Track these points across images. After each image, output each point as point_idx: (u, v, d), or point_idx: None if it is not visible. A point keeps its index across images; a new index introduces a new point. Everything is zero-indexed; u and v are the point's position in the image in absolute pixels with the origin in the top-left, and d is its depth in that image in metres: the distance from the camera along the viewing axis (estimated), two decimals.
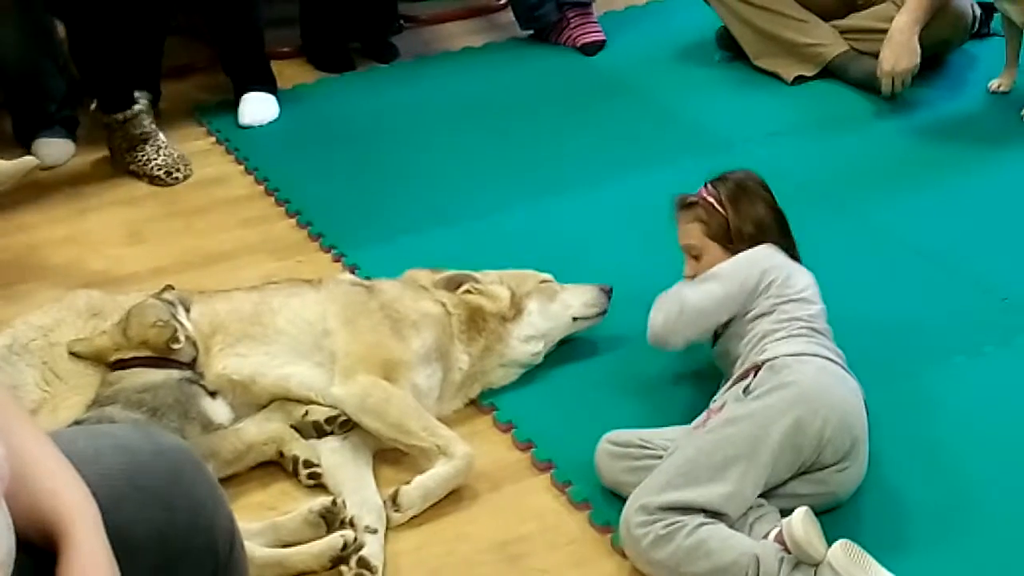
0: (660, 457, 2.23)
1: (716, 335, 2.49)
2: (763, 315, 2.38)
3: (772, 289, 2.41)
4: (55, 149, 3.66)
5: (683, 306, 2.45)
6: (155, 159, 3.52)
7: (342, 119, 3.90)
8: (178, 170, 3.53)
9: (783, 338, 2.31)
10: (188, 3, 3.87)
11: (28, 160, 3.32)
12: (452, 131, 3.81)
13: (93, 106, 3.54)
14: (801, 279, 2.44)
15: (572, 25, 4.28)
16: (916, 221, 3.22)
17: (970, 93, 3.88)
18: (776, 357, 2.26)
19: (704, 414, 2.29)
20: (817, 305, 2.42)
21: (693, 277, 2.55)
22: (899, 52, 3.70)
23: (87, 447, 1.53)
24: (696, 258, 2.57)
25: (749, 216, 2.53)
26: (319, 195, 3.46)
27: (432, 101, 3.98)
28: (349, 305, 2.56)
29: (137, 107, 3.49)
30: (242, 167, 3.66)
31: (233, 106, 3.90)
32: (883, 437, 2.35)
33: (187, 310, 2.49)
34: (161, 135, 3.60)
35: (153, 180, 3.53)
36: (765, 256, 2.46)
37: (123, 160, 3.57)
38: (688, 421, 2.32)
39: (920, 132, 3.69)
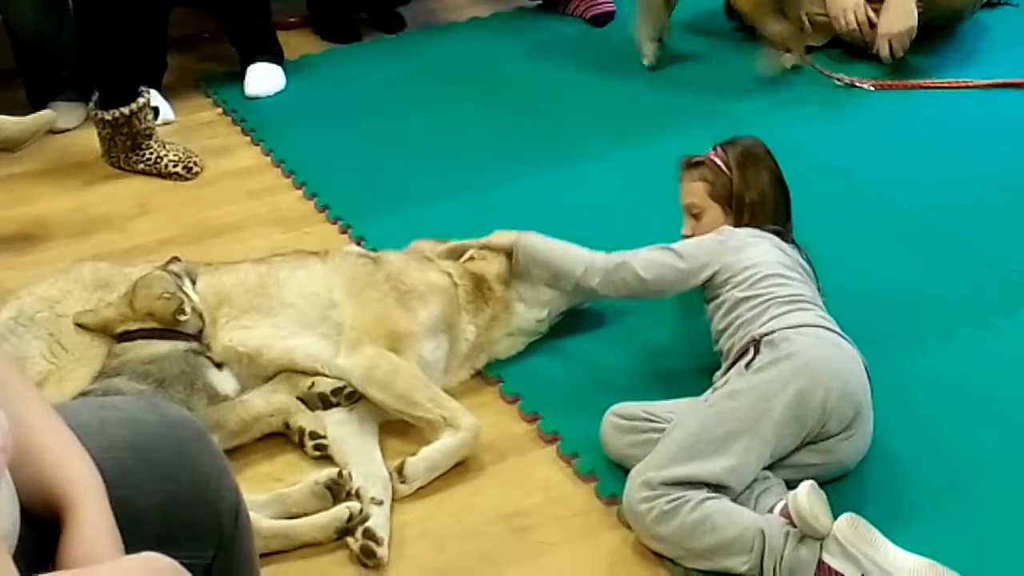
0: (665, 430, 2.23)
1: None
2: (740, 302, 2.37)
3: (728, 280, 2.40)
4: (69, 113, 3.66)
5: (625, 262, 2.46)
6: (166, 155, 3.45)
7: (349, 90, 3.89)
8: (194, 163, 3.46)
9: (775, 315, 2.30)
10: None
11: (47, 114, 3.28)
12: (459, 102, 3.80)
13: (92, 104, 3.46)
14: (765, 263, 2.41)
15: None
16: (922, 192, 3.21)
17: (982, 63, 3.86)
18: (774, 331, 2.26)
19: (709, 391, 2.29)
20: (797, 280, 2.40)
21: (691, 236, 2.55)
22: (894, 15, 3.69)
23: (92, 419, 1.53)
24: (696, 217, 2.58)
25: (754, 183, 2.53)
26: (326, 166, 3.46)
27: (439, 72, 3.96)
28: (355, 277, 2.56)
29: (142, 100, 3.42)
30: (248, 138, 3.65)
31: (240, 77, 3.89)
32: (888, 409, 2.34)
33: (193, 282, 2.49)
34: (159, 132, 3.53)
35: (170, 176, 3.45)
36: (728, 249, 2.45)
37: (129, 160, 3.47)
38: (695, 393, 2.32)
39: (929, 103, 3.67)
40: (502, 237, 2.64)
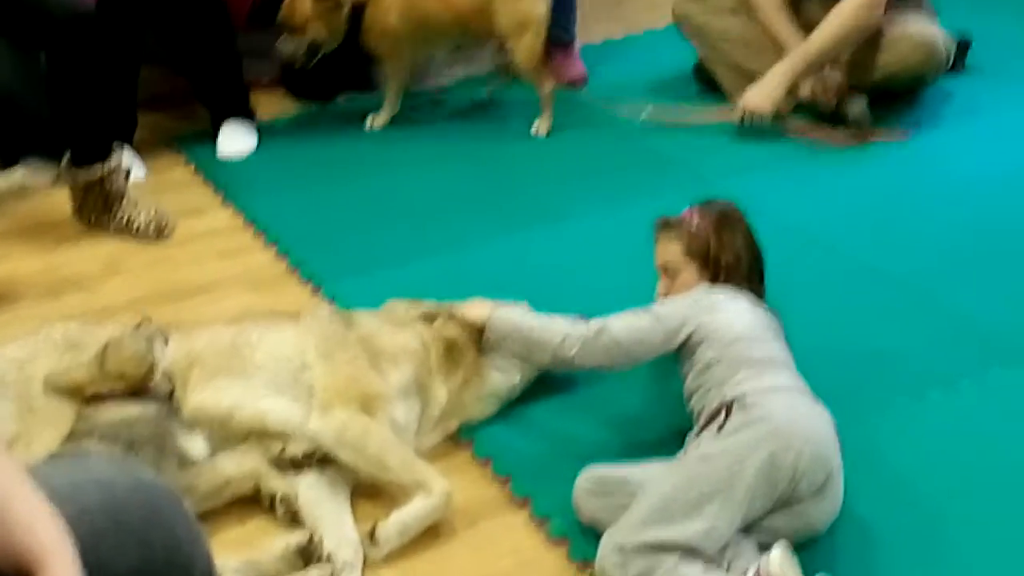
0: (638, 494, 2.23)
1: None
2: (712, 362, 2.38)
3: (703, 341, 2.41)
4: (40, 173, 3.64)
5: (603, 328, 2.47)
6: (138, 215, 3.45)
7: (321, 150, 3.91)
8: (166, 224, 3.46)
9: (746, 377, 2.32)
10: (165, 33, 3.87)
11: (18, 174, 3.27)
12: (431, 163, 3.82)
13: (64, 163, 3.45)
14: (739, 324, 2.43)
15: (555, 61, 4.31)
16: (892, 253, 3.24)
17: (945, 127, 3.92)
18: (745, 394, 2.27)
19: (681, 453, 2.30)
20: (770, 341, 2.42)
21: (666, 295, 2.57)
22: (761, 93, 3.77)
23: (64, 482, 1.51)
24: (671, 277, 2.60)
25: (730, 244, 2.56)
26: (298, 226, 3.46)
27: (411, 133, 3.98)
28: (327, 338, 2.56)
29: (115, 159, 3.43)
30: (221, 198, 3.66)
31: (212, 137, 3.90)
32: (859, 471, 2.35)
33: (165, 343, 2.48)
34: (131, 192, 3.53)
35: (141, 236, 3.44)
36: (703, 309, 2.46)
37: (100, 221, 3.47)
38: (668, 456, 2.32)
39: (895, 166, 3.72)
40: (474, 311, 2.63)
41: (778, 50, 3.93)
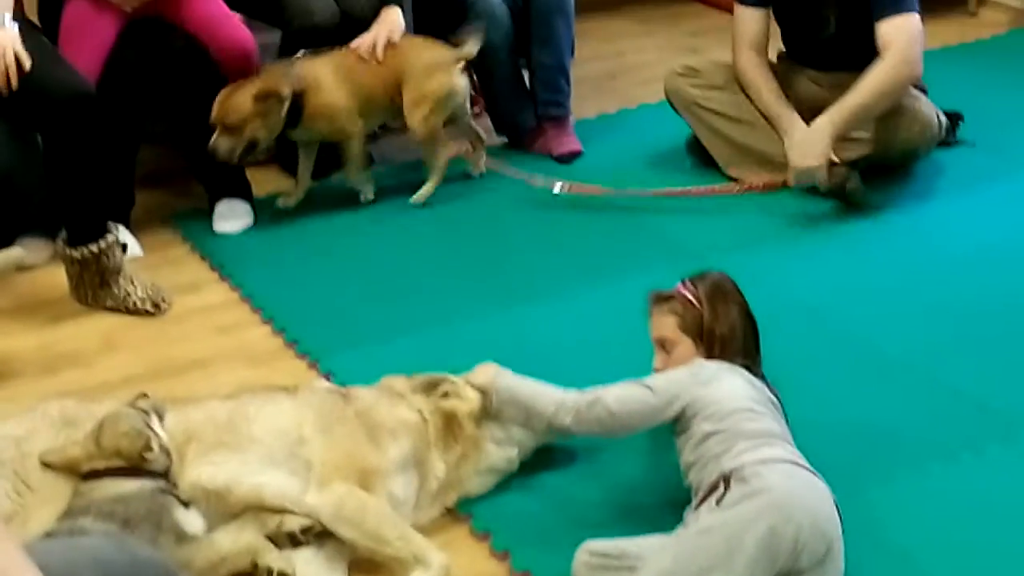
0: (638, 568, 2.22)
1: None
2: (709, 435, 2.38)
3: (698, 413, 2.42)
4: (36, 250, 3.64)
5: (597, 399, 2.47)
6: (134, 292, 3.46)
7: (317, 226, 3.92)
8: (162, 299, 3.47)
9: (744, 450, 2.31)
10: (163, 112, 3.90)
11: (15, 252, 3.28)
12: (427, 238, 3.83)
13: (60, 241, 3.47)
14: (735, 396, 2.43)
15: (548, 135, 4.35)
16: (888, 327, 3.25)
17: (939, 201, 3.94)
18: (743, 466, 2.27)
19: (681, 527, 2.29)
20: (767, 414, 2.42)
21: (662, 370, 2.57)
22: (808, 152, 3.79)
23: (61, 560, 1.51)
24: (667, 351, 2.60)
25: (724, 317, 2.57)
26: (294, 302, 3.47)
27: (406, 208, 4.00)
28: (324, 413, 2.56)
29: (111, 237, 3.44)
30: (217, 274, 3.66)
31: (208, 213, 3.92)
32: (859, 543, 2.34)
33: (161, 419, 2.47)
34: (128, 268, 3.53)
35: (138, 313, 3.45)
36: (698, 383, 2.47)
37: (97, 297, 3.47)
38: (667, 528, 2.31)
39: (889, 239, 3.73)
40: (481, 375, 2.64)
41: (770, 124, 3.97)
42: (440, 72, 3.93)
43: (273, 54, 4.08)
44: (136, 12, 3.69)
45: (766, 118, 4.00)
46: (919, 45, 3.84)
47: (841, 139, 3.83)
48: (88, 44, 3.59)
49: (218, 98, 3.69)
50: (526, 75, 4.42)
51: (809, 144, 3.81)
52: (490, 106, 4.47)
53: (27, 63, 3.23)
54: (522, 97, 4.40)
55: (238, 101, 3.69)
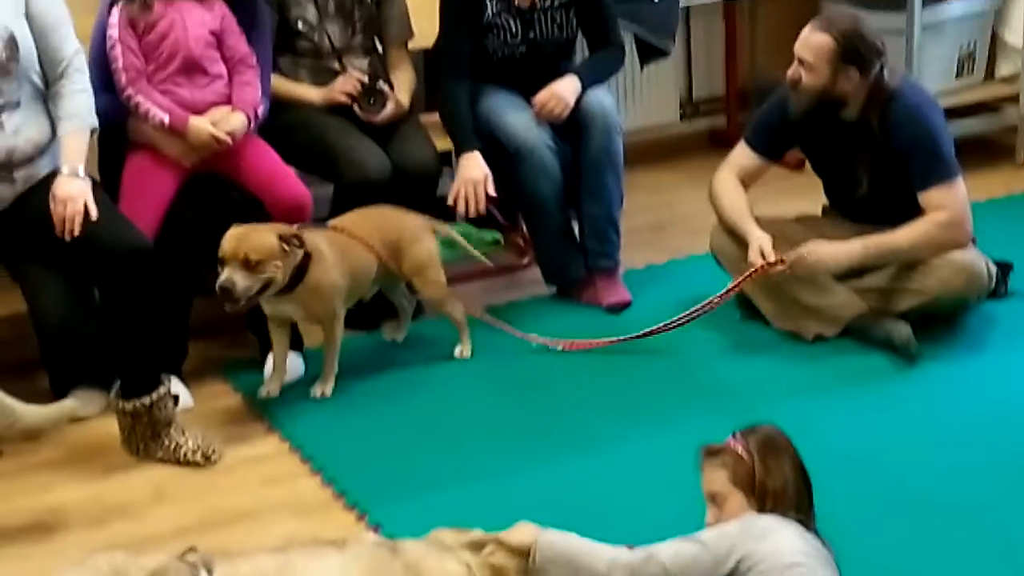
0: None
1: None
2: None
3: (752, 568, 2.39)
4: (89, 401, 3.68)
5: (651, 556, 2.45)
6: (185, 443, 3.49)
7: (366, 377, 3.94)
8: (212, 451, 3.50)
9: None
10: (214, 264, 3.96)
11: (68, 404, 3.34)
12: (476, 389, 3.85)
13: (114, 393, 3.53)
14: (789, 551, 2.41)
15: (598, 286, 4.38)
16: (940, 480, 3.21)
17: (990, 352, 3.91)
18: None
19: None
20: (821, 569, 2.40)
21: (715, 524, 2.54)
22: (830, 252, 3.83)
23: None
24: (719, 505, 2.58)
25: (776, 472, 2.55)
26: (343, 453, 3.48)
27: (455, 359, 4.02)
28: (372, 568, 2.54)
29: (163, 389, 3.49)
30: (266, 425, 3.69)
31: (259, 364, 3.95)
32: None
33: (210, 572, 2.47)
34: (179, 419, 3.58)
35: (188, 464, 3.48)
36: (751, 537, 2.45)
37: (148, 449, 3.51)
38: None
39: (941, 391, 3.71)
40: (520, 535, 2.61)
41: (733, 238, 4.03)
42: (427, 235, 3.98)
43: (326, 208, 4.14)
44: (195, 167, 3.79)
45: (729, 232, 4.07)
46: (967, 213, 3.90)
47: (893, 290, 3.85)
48: (148, 198, 3.69)
49: (231, 235, 3.54)
50: (575, 225, 4.46)
51: (834, 248, 3.83)
52: (540, 256, 4.51)
53: (94, 213, 3.32)
54: (571, 248, 4.45)
55: (262, 239, 3.55)
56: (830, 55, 3.84)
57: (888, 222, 3.91)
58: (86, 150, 3.50)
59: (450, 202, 4.24)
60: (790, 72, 3.94)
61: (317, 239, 3.73)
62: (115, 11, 3.72)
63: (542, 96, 4.26)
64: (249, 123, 3.81)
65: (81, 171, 3.43)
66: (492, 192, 4.22)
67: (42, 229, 3.41)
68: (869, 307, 3.95)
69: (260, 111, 3.87)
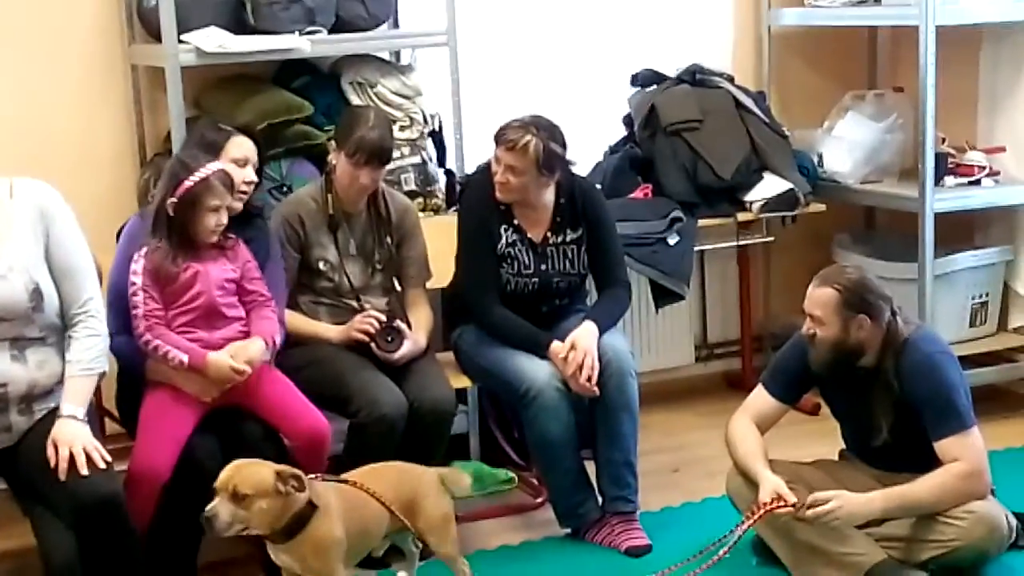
0: None
1: None
2: None
3: None
4: None
5: None
6: None
7: None
8: None
9: None
10: None
11: None
12: None
13: None
14: None
15: (615, 529, 4.34)
16: None
17: None
18: None
19: None
20: None
21: None
22: (858, 504, 3.79)
23: None
24: None
25: None
26: None
27: None
28: None
29: None
30: None
31: None
32: None
33: None
34: None
35: None
36: None
37: None
38: None
39: None
40: None
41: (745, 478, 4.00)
42: (441, 492, 3.84)
43: (340, 442, 4.13)
44: (214, 402, 3.80)
45: (741, 473, 4.04)
46: (985, 463, 3.89)
47: (913, 539, 3.81)
48: (166, 433, 3.70)
49: (229, 465, 3.41)
50: (589, 464, 4.44)
51: (861, 500, 3.81)
52: (552, 498, 4.48)
53: (99, 461, 3.35)
54: (585, 488, 4.42)
55: (258, 472, 3.39)
56: (837, 306, 3.91)
57: (907, 469, 3.89)
58: (90, 395, 3.54)
59: (568, 373, 4.23)
60: (804, 328, 4.00)
61: (327, 491, 3.56)
62: (138, 257, 3.80)
63: (565, 349, 4.27)
64: (266, 347, 3.85)
65: (81, 414, 3.45)
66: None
67: (39, 468, 3.40)
68: (889, 556, 3.90)
69: (277, 339, 3.92)
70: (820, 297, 3.95)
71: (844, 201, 5.75)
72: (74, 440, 3.37)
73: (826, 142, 5.70)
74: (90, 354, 3.56)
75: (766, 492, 3.87)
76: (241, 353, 3.80)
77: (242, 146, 4.05)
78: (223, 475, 3.38)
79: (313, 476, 3.57)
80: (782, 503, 3.83)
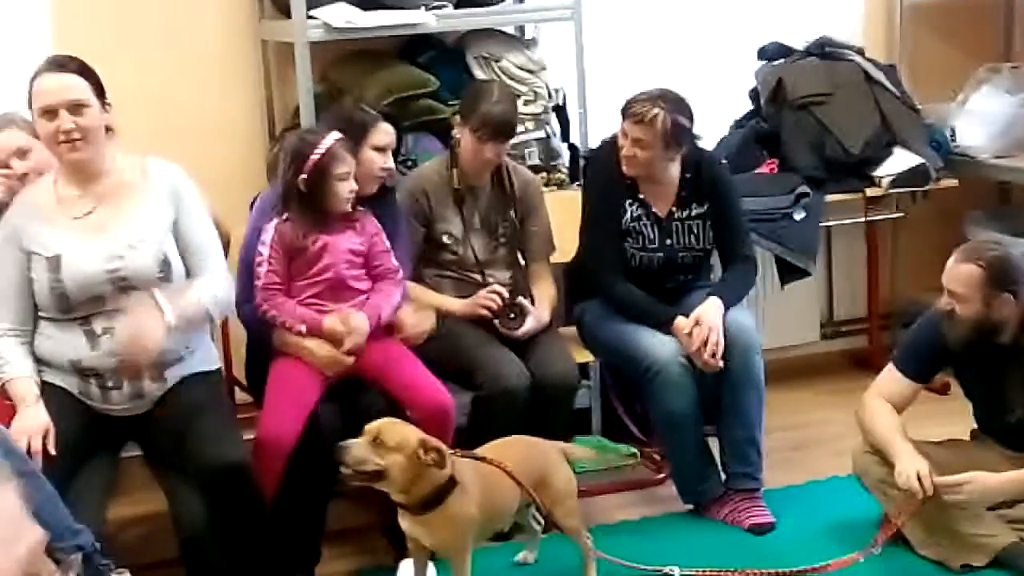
0: None
1: None
2: None
3: None
4: None
5: None
6: None
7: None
8: None
9: None
10: None
11: None
12: None
13: None
14: None
15: (739, 506, 4.31)
16: None
17: None
18: None
19: None
20: None
21: None
22: (991, 489, 3.75)
23: None
24: None
25: None
26: None
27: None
28: None
29: None
30: None
31: (392, 570, 3.93)
32: None
33: None
34: None
35: None
36: None
37: None
38: None
39: None
40: None
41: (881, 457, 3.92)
42: (564, 464, 3.86)
43: (464, 415, 4.15)
44: (339, 374, 3.85)
45: (876, 450, 3.96)
46: None
47: None
48: (292, 402, 3.76)
49: (384, 419, 3.47)
50: (712, 440, 4.41)
51: (989, 480, 3.77)
52: (675, 473, 4.46)
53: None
54: (708, 465, 4.39)
55: (404, 431, 3.44)
56: (980, 283, 3.80)
57: None
58: (189, 313, 3.51)
59: (692, 349, 4.21)
60: (942, 304, 3.90)
61: (467, 469, 3.57)
62: (270, 228, 3.86)
63: (689, 325, 4.24)
64: (369, 324, 3.86)
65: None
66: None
67: (171, 435, 3.47)
68: (1021, 538, 3.82)
69: (383, 316, 3.93)
70: (962, 273, 3.84)
71: (978, 176, 5.63)
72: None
73: (959, 116, 5.58)
74: (207, 288, 3.59)
75: (911, 474, 3.79)
76: (347, 321, 3.84)
77: (387, 134, 4.08)
78: (374, 423, 3.43)
79: (452, 451, 3.57)
80: (923, 499, 3.79)
